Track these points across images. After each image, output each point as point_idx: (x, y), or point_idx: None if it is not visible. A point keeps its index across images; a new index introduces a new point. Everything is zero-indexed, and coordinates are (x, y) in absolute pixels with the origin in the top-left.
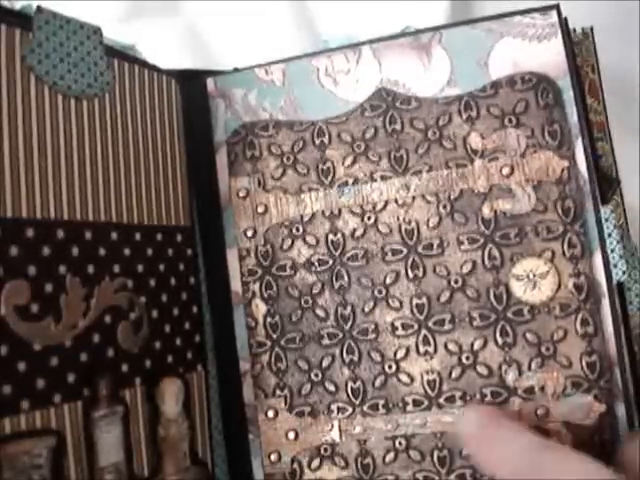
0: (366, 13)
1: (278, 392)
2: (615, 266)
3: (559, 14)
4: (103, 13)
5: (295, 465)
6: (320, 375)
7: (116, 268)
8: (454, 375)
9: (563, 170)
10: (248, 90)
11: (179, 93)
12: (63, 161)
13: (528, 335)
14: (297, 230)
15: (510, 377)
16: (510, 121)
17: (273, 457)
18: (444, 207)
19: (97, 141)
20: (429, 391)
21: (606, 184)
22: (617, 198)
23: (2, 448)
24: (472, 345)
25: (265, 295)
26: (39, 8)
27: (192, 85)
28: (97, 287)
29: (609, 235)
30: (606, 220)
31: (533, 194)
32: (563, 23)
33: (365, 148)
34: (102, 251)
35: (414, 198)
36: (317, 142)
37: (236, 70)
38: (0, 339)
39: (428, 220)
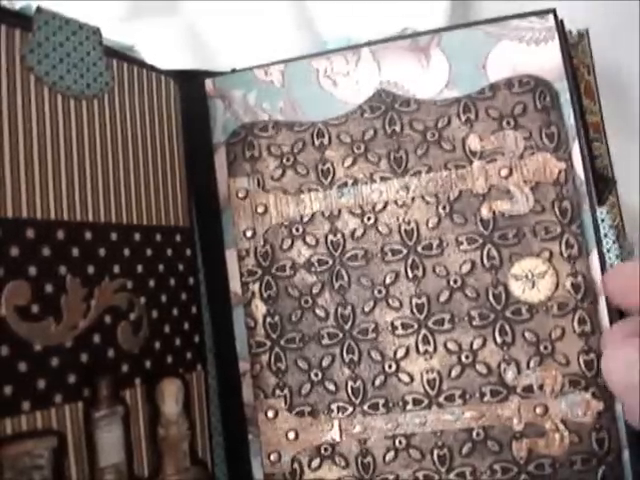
0: (366, 13)
1: (278, 392)
2: (611, 266)
3: (556, 18)
4: (102, 13)
5: (295, 465)
6: (320, 375)
7: (116, 268)
8: (454, 374)
9: (560, 172)
10: (247, 91)
11: (178, 94)
12: (63, 161)
13: (527, 334)
14: (297, 230)
15: (509, 376)
16: (508, 123)
17: (273, 457)
18: (443, 208)
19: (96, 141)
20: (429, 390)
21: (602, 184)
22: (613, 198)
23: (3, 449)
24: (471, 344)
25: (265, 295)
26: (39, 8)
27: (191, 86)
28: (97, 287)
29: (605, 235)
30: (602, 221)
31: (531, 195)
32: (560, 26)
33: (365, 149)
34: (102, 251)
35: (413, 199)
36: (317, 143)
37: (235, 71)
38: (1, 339)
39: (427, 221)
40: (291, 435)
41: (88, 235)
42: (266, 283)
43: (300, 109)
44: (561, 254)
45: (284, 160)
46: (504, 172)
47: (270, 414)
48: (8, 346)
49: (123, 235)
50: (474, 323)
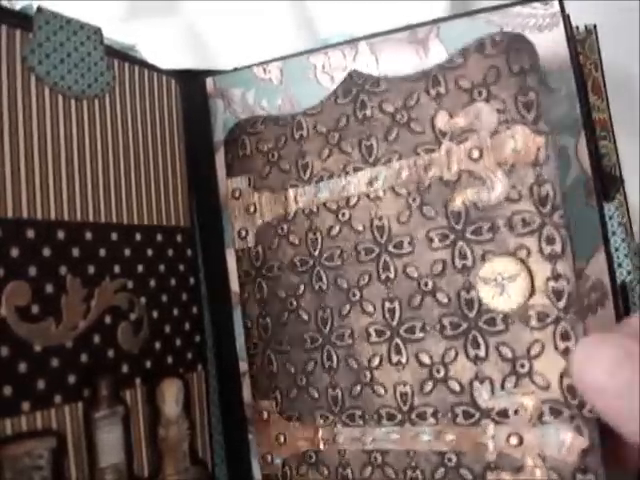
0: (365, 14)
1: (270, 394)
2: (620, 265)
3: (561, 3)
4: (102, 13)
5: (286, 468)
6: (305, 380)
7: (116, 269)
8: (425, 389)
9: (539, 149)
10: (246, 89)
11: (179, 93)
12: (63, 162)
13: (501, 348)
14: (282, 230)
15: (482, 396)
16: (480, 94)
17: (267, 459)
18: (414, 200)
19: (97, 141)
20: (401, 405)
21: (609, 182)
22: (620, 197)
23: (3, 449)
24: (443, 357)
25: (257, 296)
26: (39, 8)
27: (191, 85)
28: (97, 288)
29: (613, 233)
30: (610, 218)
31: (506, 180)
32: (565, 12)
33: (339, 139)
34: (102, 252)
35: (384, 191)
36: (296, 136)
37: (235, 69)
38: (1, 340)
39: (398, 215)
40: (281, 439)
41: (88, 235)
42: (258, 284)
43: (298, 105)
44: (540, 252)
45: (270, 157)
46: (475, 154)
47: (264, 416)
48: (8, 346)
49: (124, 235)
50: (445, 333)
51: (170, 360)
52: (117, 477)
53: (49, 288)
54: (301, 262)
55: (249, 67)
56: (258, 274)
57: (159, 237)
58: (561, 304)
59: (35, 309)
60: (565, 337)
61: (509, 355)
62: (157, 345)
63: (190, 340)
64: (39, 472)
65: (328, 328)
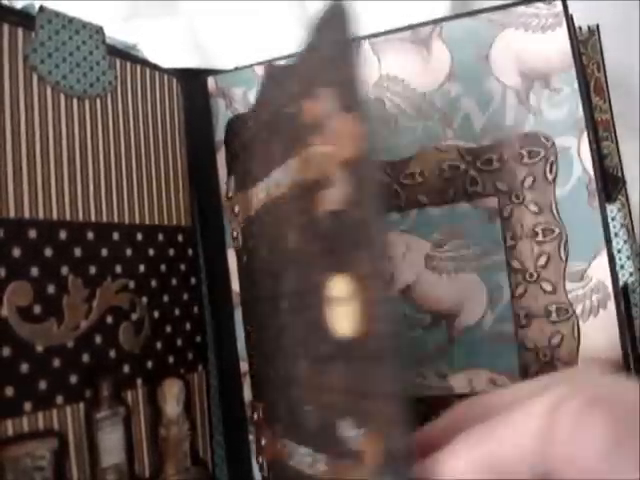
0: (366, 14)
1: (259, 397)
2: (622, 267)
3: (564, 3)
4: (104, 12)
5: (271, 472)
6: (273, 388)
7: (118, 269)
8: (322, 416)
9: (360, 140)
10: (248, 88)
11: (181, 92)
12: (65, 161)
13: (350, 381)
14: (251, 232)
15: (343, 432)
16: (322, 80)
17: (259, 460)
18: (295, 207)
19: (99, 141)
20: (310, 428)
21: (612, 183)
22: (622, 198)
23: (5, 450)
24: (319, 384)
25: (247, 298)
26: (42, 7)
27: (193, 84)
28: (99, 288)
29: (616, 235)
30: (612, 219)
31: (343, 181)
32: (568, 12)
33: (267, 137)
34: (104, 252)
35: (284, 195)
36: (253, 132)
37: (236, 69)
38: (2, 340)
39: (296, 221)
40: (263, 442)
41: (90, 235)
42: (246, 287)
43: None
44: (370, 269)
45: (244, 157)
46: (323, 150)
47: (255, 417)
48: (10, 347)
49: (125, 235)
50: (314, 357)
51: (171, 360)
52: (118, 477)
53: (51, 288)
54: (260, 267)
55: (251, 66)
56: (245, 276)
57: (160, 237)
58: (391, 333)
59: (37, 309)
60: (397, 379)
61: (357, 389)
62: (158, 345)
63: (191, 340)
64: (40, 473)
65: (274, 342)
